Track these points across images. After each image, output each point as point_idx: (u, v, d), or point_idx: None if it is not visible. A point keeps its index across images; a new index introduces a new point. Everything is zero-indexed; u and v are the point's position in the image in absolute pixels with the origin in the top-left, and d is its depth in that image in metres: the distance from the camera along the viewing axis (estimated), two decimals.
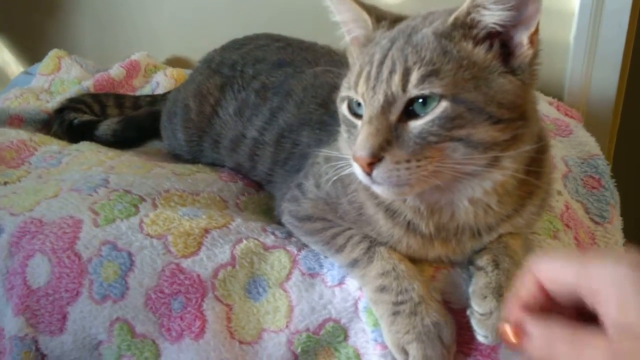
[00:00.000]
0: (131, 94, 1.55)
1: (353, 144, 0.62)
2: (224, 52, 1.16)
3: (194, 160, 1.13)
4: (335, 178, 0.71)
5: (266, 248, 0.82)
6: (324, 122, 0.91)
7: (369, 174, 0.60)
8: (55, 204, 0.88)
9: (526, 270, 0.46)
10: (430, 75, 0.58)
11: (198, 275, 0.79)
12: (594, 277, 0.41)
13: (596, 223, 0.95)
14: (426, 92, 0.58)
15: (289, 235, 0.85)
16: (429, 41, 0.60)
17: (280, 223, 0.89)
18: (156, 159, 1.14)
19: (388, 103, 0.59)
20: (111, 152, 1.12)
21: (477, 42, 0.61)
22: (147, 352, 0.79)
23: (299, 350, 0.76)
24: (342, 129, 0.69)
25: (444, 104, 0.59)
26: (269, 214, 0.97)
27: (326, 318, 0.76)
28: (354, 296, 0.76)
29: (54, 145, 1.17)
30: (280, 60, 1.06)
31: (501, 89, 0.60)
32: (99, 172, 0.98)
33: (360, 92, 0.62)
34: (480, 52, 0.61)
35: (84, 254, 0.82)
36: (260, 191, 1.05)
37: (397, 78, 0.59)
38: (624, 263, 0.40)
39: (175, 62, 1.81)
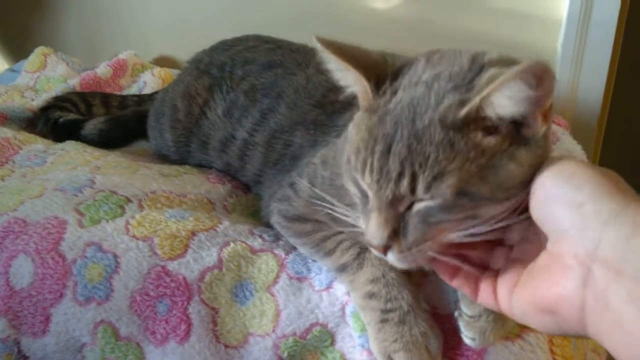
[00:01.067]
0: (118, 93, 1.54)
1: (365, 217, 0.62)
2: (213, 52, 1.15)
3: (181, 161, 1.12)
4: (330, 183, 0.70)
5: (253, 251, 0.81)
6: (318, 122, 0.90)
7: (384, 254, 0.61)
8: (40, 203, 0.87)
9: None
10: (436, 178, 0.54)
11: (184, 278, 0.78)
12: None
13: None
14: (435, 200, 0.56)
15: (277, 238, 0.85)
16: (435, 134, 0.55)
17: (268, 225, 0.88)
18: (143, 159, 1.13)
19: (396, 199, 0.57)
20: (97, 152, 1.10)
21: (488, 131, 0.55)
22: (131, 355, 0.78)
23: (285, 354, 0.75)
24: (352, 191, 0.65)
25: (447, 192, 0.56)
26: (256, 216, 0.96)
27: (313, 322, 0.75)
28: (341, 301, 0.76)
29: (39, 144, 1.15)
30: (270, 61, 1.05)
31: (510, 174, 0.55)
32: (84, 172, 0.96)
33: (366, 182, 0.59)
34: (490, 141, 0.55)
35: (69, 255, 0.80)
36: (248, 193, 1.04)
37: (405, 182, 0.56)
38: None
39: (163, 61, 1.79)
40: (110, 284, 0.78)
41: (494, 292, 0.58)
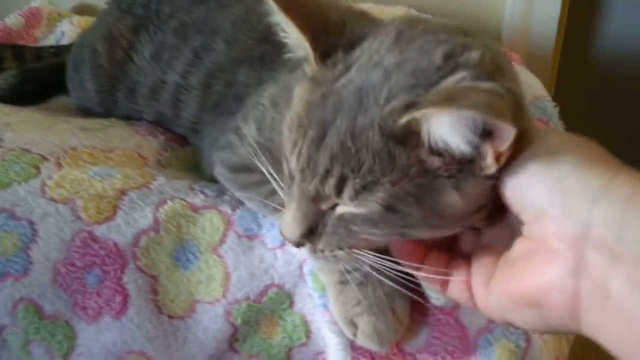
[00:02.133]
0: (32, 45, 1.39)
1: (286, 201, 0.54)
2: None
3: (106, 113, 1.01)
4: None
5: (195, 209, 0.72)
6: (265, 58, 0.80)
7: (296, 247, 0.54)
8: None
9: None
10: (366, 188, 0.46)
11: (115, 244, 0.69)
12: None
13: None
14: (361, 208, 0.48)
15: (221, 192, 0.76)
16: (373, 139, 0.46)
17: (211, 179, 0.79)
18: (62, 114, 1.01)
19: (319, 197, 0.49)
20: (7, 108, 0.97)
21: (433, 151, 0.46)
22: (60, 334, 0.68)
23: (239, 321, 0.68)
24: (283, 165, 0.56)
25: (375, 206, 0.48)
26: (196, 171, 0.87)
27: (268, 284, 0.68)
28: (298, 258, 0.68)
29: None
30: None
31: (450, 203, 0.47)
32: None
33: (292, 166, 0.51)
34: (435, 161, 0.46)
35: None
36: (185, 146, 0.94)
37: (331, 182, 0.47)
38: None
39: (83, 9, 1.63)
40: (27, 256, 0.68)
41: (467, 284, 0.51)
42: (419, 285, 0.64)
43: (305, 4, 0.51)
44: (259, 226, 0.71)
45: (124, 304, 0.68)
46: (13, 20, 1.42)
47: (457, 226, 0.50)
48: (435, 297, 0.65)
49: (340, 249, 0.52)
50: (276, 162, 0.66)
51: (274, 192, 0.67)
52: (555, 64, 1.45)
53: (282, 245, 0.69)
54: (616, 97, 1.67)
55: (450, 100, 0.42)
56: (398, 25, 0.51)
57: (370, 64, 0.48)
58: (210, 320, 0.68)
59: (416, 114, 0.43)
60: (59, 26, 1.47)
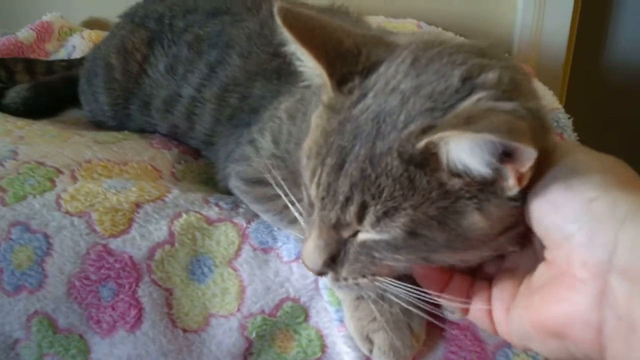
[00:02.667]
0: (44, 59, 1.40)
1: (307, 228, 0.54)
2: (148, 4, 1.03)
3: (119, 126, 1.01)
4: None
5: (210, 222, 0.71)
6: (281, 71, 0.80)
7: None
8: None
9: None
10: (387, 214, 0.46)
11: (130, 257, 0.68)
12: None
13: None
14: (383, 235, 0.48)
15: (236, 205, 0.75)
16: (393, 165, 0.45)
17: (225, 191, 0.79)
18: (75, 128, 1.01)
19: (340, 224, 0.49)
20: (20, 122, 0.98)
21: (453, 173, 0.45)
22: (74, 348, 0.68)
23: (254, 335, 0.67)
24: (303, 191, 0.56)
25: (397, 232, 0.48)
26: (210, 183, 0.87)
27: (283, 297, 0.67)
28: None
29: None
30: (214, 9, 0.95)
31: (473, 226, 0.46)
32: (5, 142, 0.84)
33: (313, 194, 0.51)
34: (456, 183, 0.45)
35: None
36: (198, 159, 0.94)
37: (352, 209, 0.47)
38: None
39: (93, 23, 1.65)
40: (42, 269, 0.68)
41: (489, 311, 0.50)
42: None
43: (320, 32, 0.50)
44: (274, 239, 0.70)
45: (139, 318, 0.67)
46: (24, 34, 1.44)
47: (485, 250, 0.49)
48: (449, 310, 0.64)
49: (364, 276, 0.52)
50: (291, 175, 0.66)
51: (287, 207, 0.67)
52: (566, 75, 1.45)
53: (297, 258, 0.68)
54: (627, 108, 1.66)
55: (468, 122, 0.41)
56: (414, 49, 0.50)
57: (388, 90, 0.48)
58: (225, 334, 0.67)
59: (434, 137, 0.43)
60: (70, 40, 1.48)
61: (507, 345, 0.64)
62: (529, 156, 0.41)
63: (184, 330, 0.68)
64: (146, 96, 0.96)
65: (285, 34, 0.50)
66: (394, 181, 0.45)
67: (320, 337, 0.67)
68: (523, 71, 0.52)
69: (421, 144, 0.44)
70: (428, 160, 0.44)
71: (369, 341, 0.63)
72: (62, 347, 0.67)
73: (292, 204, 0.60)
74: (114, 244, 0.69)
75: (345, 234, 0.50)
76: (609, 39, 1.63)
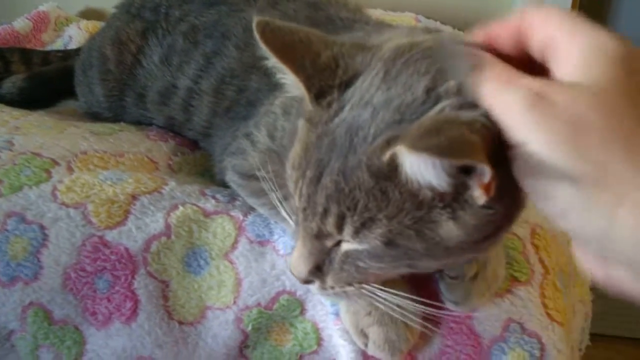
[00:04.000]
0: (40, 49, 1.39)
1: (294, 236, 0.56)
2: None
3: (115, 118, 1.00)
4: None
5: (206, 214, 0.71)
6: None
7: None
8: None
9: (515, 14, 0.43)
10: (364, 225, 0.47)
11: (126, 249, 0.68)
12: (579, 37, 0.38)
13: None
14: (363, 245, 0.48)
15: (233, 198, 0.75)
16: (364, 178, 0.46)
17: (222, 184, 0.79)
18: (71, 119, 1.00)
19: (322, 234, 0.50)
20: (16, 112, 0.97)
21: (421, 184, 0.45)
22: (69, 340, 0.67)
23: (250, 328, 0.67)
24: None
25: (376, 242, 0.48)
26: (207, 175, 0.86)
27: (279, 290, 0.67)
28: None
29: None
30: None
31: (449, 234, 0.46)
32: (1, 133, 0.83)
33: (296, 204, 0.52)
34: (427, 193, 0.45)
35: None
36: (195, 150, 0.94)
37: (331, 220, 0.48)
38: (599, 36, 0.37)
39: (90, 14, 1.64)
40: (38, 260, 0.67)
41: None
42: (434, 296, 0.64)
43: (299, 46, 0.50)
44: (271, 232, 0.70)
45: (134, 310, 0.67)
46: (21, 24, 1.43)
47: (467, 255, 0.50)
48: (452, 300, 0.64)
49: (350, 284, 0.52)
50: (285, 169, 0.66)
51: (285, 199, 0.67)
52: None
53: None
54: None
55: (423, 136, 0.41)
56: (386, 60, 0.49)
57: (362, 103, 0.48)
58: (221, 327, 0.67)
59: (394, 149, 0.43)
60: (66, 30, 1.48)
61: (502, 339, 0.65)
62: (482, 171, 0.41)
63: (180, 323, 0.68)
64: (141, 88, 0.95)
65: (265, 49, 0.50)
66: (367, 193, 0.46)
67: (316, 331, 0.67)
68: None
69: (385, 156, 0.44)
70: (395, 172, 0.45)
71: (364, 335, 0.63)
72: (58, 339, 0.67)
73: (281, 201, 0.60)
74: (110, 235, 0.69)
75: (329, 243, 0.51)
76: None
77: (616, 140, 0.35)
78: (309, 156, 0.49)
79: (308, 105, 0.51)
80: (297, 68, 0.50)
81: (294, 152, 0.51)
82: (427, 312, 0.58)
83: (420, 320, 0.59)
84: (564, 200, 0.37)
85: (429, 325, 0.62)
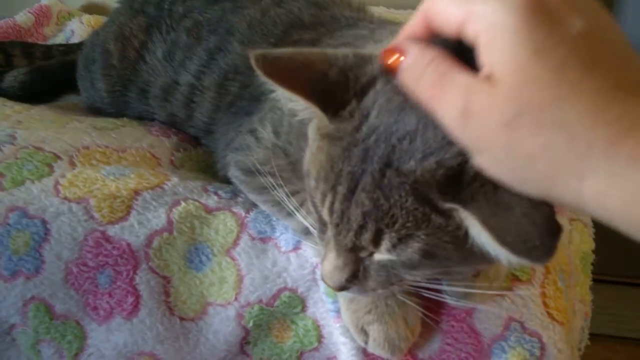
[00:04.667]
0: (42, 43, 1.39)
1: (322, 244, 0.55)
2: None
3: (117, 113, 1.00)
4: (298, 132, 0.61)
5: (209, 210, 0.71)
6: None
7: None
8: None
9: (418, 11, 0.44)
10: (401, 241, 0.46)
11: (128, 244, 0.68)
12: (479, 17, 0.38)
13: None
14: (397, 257, 0.48)
15: (235, 194, 0.75)
16: (407, 200, 0.45)
17: (225, 180, 0.78)
18: (73, 113, 1.00)
19: (357, 247, 0.49)
20: (18, 106, 0.97)
21: None
22: (70, 334, 0.68)
23: (251, 324, 0.67)
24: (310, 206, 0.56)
25: (413, 255, 0.48)
26: (209, 172, 0.86)
27: (281, 287, 0.67)
28: (311, 262, 0.67)
29: None
30: None
31: (486, 245, 0.45)
32: (3, 127, 0.83)
33: (326, 218, 0.50)
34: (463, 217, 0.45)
35: None
36: (197, 147, 0.93)
37: (367, 236, 0.47)
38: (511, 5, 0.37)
39: (92, 8, 1.63)
40: (39, 255, 0.67)
41: None
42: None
43: (303, 71, 0.48)
44: (273, 229, 0.70)
45: (136, 305, 0.67)
46: (23, 18, 1.42)
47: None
48: (453, 298, 0.64)
49: (392, 284, 0.52)
50: (291, 165, 0.66)
51: (287, 197, 0.67)
52: None
53: (295, 248, 0.68)
54: None
55: (495, 212, 0.41)
56: None
57: (392, 107, 0.46)
58: (222, 323, 0.67)
59: (461, 210, 0.43)
60: (68, 25, 1.47)
61: (503, 338, 0.65)
62: None
63: (181, 319, 0.68)
64: (144, 83, 0.95)
65: (269, 83, 0.48)
66: (408, 214, 0.45)
67: (317, 328, 0.67)
68: None
69: (446, 206, 0.44)
70: (449, 214, 0.44)
71: (365, 333, 0.63)
72: (59, 333, 0.67)
73: (289, 196, 0.60)
74: (112, 230, 0.69)
75: (363, 254, 0.51)
76: None
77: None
78: (336, 169, 0.47)
79: (326, 124, 0.49)
80: (309, 93, 0.48)
81: (317, 164, 0.49)
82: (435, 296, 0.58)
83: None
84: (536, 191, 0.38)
85: (431, 315, 0.62)
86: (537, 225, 0.39)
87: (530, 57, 0.36)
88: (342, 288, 0.53)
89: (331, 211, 0.49)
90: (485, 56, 0.38)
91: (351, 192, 0.47)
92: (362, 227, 0.47)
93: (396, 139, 0.45)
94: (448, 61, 0.40)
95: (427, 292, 0.55)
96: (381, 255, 0.49)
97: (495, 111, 0.36)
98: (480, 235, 0.43)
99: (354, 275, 0.52)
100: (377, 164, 0.45)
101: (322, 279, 0.54)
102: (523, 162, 0.37)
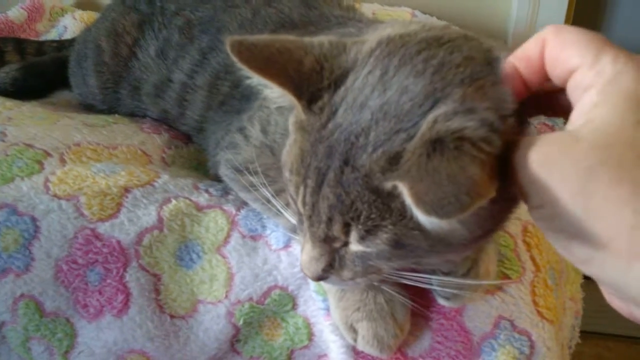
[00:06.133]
0: (34, 39, 1.38)
1: (300, 236, 0.55)
2: None
3: (109, 110, 1.00)
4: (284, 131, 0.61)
5: (199, 208, 0.71)
6: None
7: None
8: None
9: (541, 34, 0.42)
10: (370, 232, 0.46)
11: (118, 242, 0.68)
12: (596, 73, 0.38)
13: None
14: (369, 249, 0.49)
15: (226, 192, 0.75)
16: (364, 193, 0.45)
17: (214, 179, 0.78)
18: (64, 110, 1.00)
19: (330, 238, 0.50)
20: (9, 102, 0.96)
21: None
22: (60, 332, 0.67)
23: (241, 322, 0.67)
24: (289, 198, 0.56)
25: (383, 246, 0.48)
26: (200, 169, 0.86)
27: (271, 285, 0.67)
28: None
29: None
30: None
31: (453, 233, 0.46)
32: None
33: (300, 210, 0.51)
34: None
35: None
36: (189, 144, 0.93)
37: (337, 227, 0.48)
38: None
39: (85, 4, 1.62)
40: (29, 252, 0.67)
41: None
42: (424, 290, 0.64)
43: (279, 57, 0.49)
44: (263, 227, 0.70)
45: (126, 303, 0.67)
46: (15, 13, 1.41)
47: (468, 250, 0.51)
48: (443, 297, 0.64)
49: (369, 273, 0.52)
50: (279, 164, 0.66)
51: (277, 194, 0.67)
52: None
53: (286, 247, 0.68)
54: None
55: (423, 176, 0.40)
56: (378, 56, 0.48)
57: (356, 105, 0.47)
58: (212, 321, 0.67)
59: (396, 183, 0.43)
60: (61, 20, 1.46)
61: (492, 336, 0.65)
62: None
63: (171, 316, 0.68)
64: (136, 80, 0.95)
65: (245, 69, 0.49)
66: (369, 205, 0.45)
67: (308, 326, 0.67)
68: (488, 54, 0.48)
69: (387, 184, 0.44)
70: (397, 195, 0.44)
71: (354, 330, 0.63)
72: (49, 331, 0.67)
73: (274, 195, 0.60)
74: (102, 228, 0.68)
75: (337, 244, 0.51)
76: (603, 32, 1.63)
77: (623, 196, 0.34)
78: (306, 163, 0.48)
79: (300, 114, 0.49)
80: (282, 80, 0.48)
81: (292, 156, 0.50)
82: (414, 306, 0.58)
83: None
84: (584, 253, 0.37)
85: (420, 311, 0.62)
86: (457, 184, 0.39)
87: (634, 125, 0.35)
88: (319, 278, 0.53)
89: (304, 203, 0.50)
90: (585, 111, 0.37)
91: (318, 186, 0.47)
92: (330, 220, 0.48)
93: (354, 136, 0.46)
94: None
95: (410, 280, 0.55)
96: (355, 246, 0.50)
97: (578, 156, 0.36)
98: (411, 206, 0.42)
99: (330, 265, 0.52)
100: (337, 160, 0.46)
101: (302, 270, 0.54)
102: (587, 215, 0.35)
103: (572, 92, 0.39)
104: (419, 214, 0.42)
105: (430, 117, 0.43)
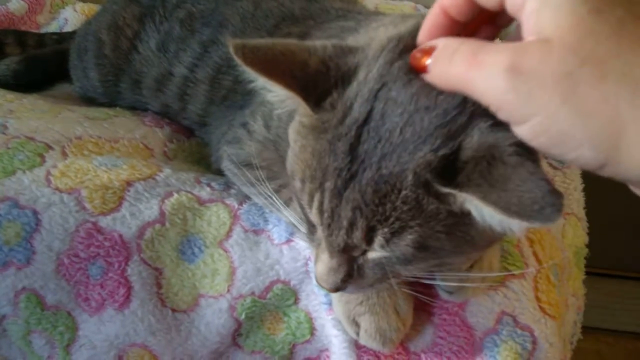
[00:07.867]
0: (35, 31, 1.37)
1: (313, 246, 0.55)
2: None
3: (110, 103, 0.99)
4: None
5: (201, 202, 0.71)
6: None
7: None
8: None
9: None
10: (395, 234, 0.45)
11: (120, 236, 0.67)
12: None
13: (555, 168, 0.90)
14: (391, 253, 0.48)
15: (228, 186, 0.75)
16: (403, 188, 0.44)
17: (218, 172, 0.78)
18: (65, 103, 0.99)
19: (349, 247, 0.49)
20: (10, 95, 0.96)
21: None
22: (62, 325, 0.67)
23: (243, 316, 0.67)
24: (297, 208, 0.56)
25: (407, 249, 0.47)
26: (202, 163, 0.86)
27: (274, 280, 0.67)
28: (304, 255, 0.67)
29: None
30: None
31: (481, 235, 0.46)
32: None
33: (315, 220, 0.50)
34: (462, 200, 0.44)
35: None
36: (191, 138, 0.93)
37: (358, 234, 0.46)
38: None
39: None
40: (31, 245, 0.67)
41: None
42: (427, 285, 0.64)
43: (283, 59, 0.48)
44: (266, 221, 0.70)
45: (127, 297, 0.67)
46: (16, 5, 1.40)
47: (486, 248, 0.51)
48: (446, 291, 0.64)
49: (387, 279, 0.52)
50: (281, 159, 0.66)
51: (280, 189, 0.67)
52: None
53: (288, 241, 0.68)
54: None
55: (494, 186, 0.40)
56: (393, 49, 0.47)
57: (376, 99, 0.46)
58: (214, 315, 0.67)
59: (459, 194, 0.42)
60: (62, 13, 1.46)
61: (495, 331, 0.65)
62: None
63: (173, 310, 0.68)
64: (137, 74, 0.94)
65: (249, 72, 0.48)
66: (403, 203, 0.44)
67: (310, 320, 0.67)
68: None
69: (444, 190, 0.43)
70: (448, 198, 0.44)
71: (356, 324, 0.63)
72: (50, 324, 0.67)
73: (279, 189, 0.60)
74: (104, 222, 0.68)
75: (355, 253, 0.50)
76: None
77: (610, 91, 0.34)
78: (322, 165, 0.47)
79: (309, 114, 0.48)
80: (289, 81, 0.48)
81: (302, 163, 0.49)
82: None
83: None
84: (594, 158, 0.36)
85: (423, 297, 0.62)
86: (537, 188, 0.39)
87: (588, 14, 0.35)
88: (338, 289, 0.53)
89: (320, 211, 0.48)
90: (533, 22, 0.37)
91: (339, 188, 0.46)
92: (352, 225, 0.47)
93: (385, 131, 0.45)
94: (480, 41, 0.39)
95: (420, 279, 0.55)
96: (375, 253, 0.49)
97: (552, 64, 0.35)
98: (484, 214, 0.42)
99: (349, 275, 0.51)
100: (366, 158, 0.45)
101: (317, 282, 0.54)
102: (582, 119, 0.35)
103: (512, 8, 0.39)
104: (504, 219, 0.41)
105: (476, 130, 0.43)
